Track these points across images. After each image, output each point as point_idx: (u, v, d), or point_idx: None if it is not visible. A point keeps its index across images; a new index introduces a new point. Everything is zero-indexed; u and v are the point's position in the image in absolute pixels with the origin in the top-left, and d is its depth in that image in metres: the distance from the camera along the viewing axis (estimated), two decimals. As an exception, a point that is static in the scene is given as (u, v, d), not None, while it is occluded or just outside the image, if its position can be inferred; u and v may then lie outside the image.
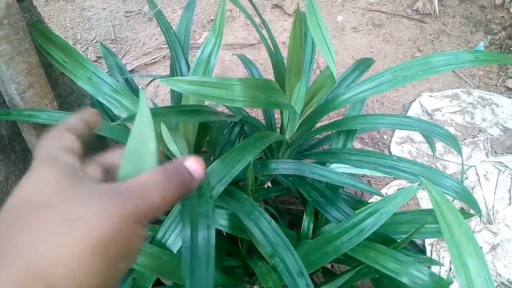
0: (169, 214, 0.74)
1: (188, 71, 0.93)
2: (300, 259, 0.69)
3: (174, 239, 0.73)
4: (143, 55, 2.25)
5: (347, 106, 1.24)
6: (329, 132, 1.13)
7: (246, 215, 0.73)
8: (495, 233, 1.58)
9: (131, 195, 0.29)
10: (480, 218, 1.47)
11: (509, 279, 1.47)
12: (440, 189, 0.80)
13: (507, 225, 1.59)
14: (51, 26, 2.42)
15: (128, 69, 2.11)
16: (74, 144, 0.35)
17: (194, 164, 0.34)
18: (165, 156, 0.83)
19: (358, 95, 0.91)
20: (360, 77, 1.13)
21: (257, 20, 2.29)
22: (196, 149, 0.88)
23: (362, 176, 1.57)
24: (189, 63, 0.96)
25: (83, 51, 2.29)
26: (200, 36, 2.33)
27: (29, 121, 0.72)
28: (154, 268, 0.70)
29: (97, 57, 2.24)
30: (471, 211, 0.89)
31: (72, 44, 2.31)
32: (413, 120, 0.86)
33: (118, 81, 0.97)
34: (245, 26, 2.35)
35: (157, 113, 0.64)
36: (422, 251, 1.48)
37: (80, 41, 2.34)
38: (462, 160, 0.91)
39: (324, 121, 1.82)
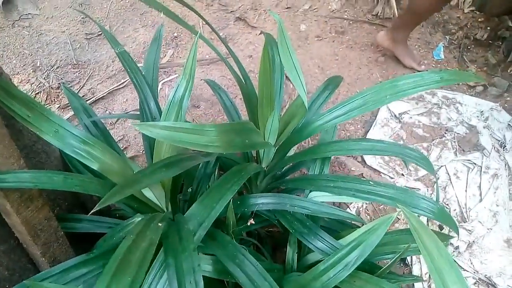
0: (151, 266, 0.72)
1: (158, 111, 0.91)
2: (289, 299, 0.69)
3: (159, 292, 0.71)
4: (108, 78, 2.19)
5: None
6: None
7: (231, 260, 0.72)
8: (469, 230, 1.63)
9: None
10: (458, 237, 1.51)
11: (486, 274, 1.52)
12: (417, 211, 0.82)
13: (480, 222, 1.65)
14: (8, 54, 2.32)
15: (95, 97, 2.06)
16: None
17: None
18: (142, 203, 0.82)
19: (330, 122, 0.92)
20: (330, 97, 1.14)
21: (221, 34, 2.28)
22: (172, 191, 0.86)
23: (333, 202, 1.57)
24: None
25: (44, 78, 2.21)
26: (165, 55, 2.30)
27: (-4, 186, 0.69)
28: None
29: (59, 83, 2.17)
30: (452, 233, 0.91)
31: (32, 72, 2.23)
32: (386, 145, 0.88)
33: (85, 124, 0.94)
34: (206, 44, 2.33)
35: (133, 180, 0.63)
36: (403, 259, 1.51)
37: (40, 68, 2.26)
38: (437, 182, 0.92)
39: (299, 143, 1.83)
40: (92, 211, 0.58)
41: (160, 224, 0.69)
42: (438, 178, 1.76)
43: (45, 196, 0.84)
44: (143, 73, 0.88)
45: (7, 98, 0.75)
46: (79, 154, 0.76)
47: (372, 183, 0.86)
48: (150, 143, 0.92)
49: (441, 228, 1.58)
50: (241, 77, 0.99)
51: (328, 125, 0.91)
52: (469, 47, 2.23)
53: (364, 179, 0.86)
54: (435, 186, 1.72)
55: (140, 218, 0.86)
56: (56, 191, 0.98)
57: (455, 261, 0.64)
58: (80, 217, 0.95)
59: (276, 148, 0.96)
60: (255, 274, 0.70)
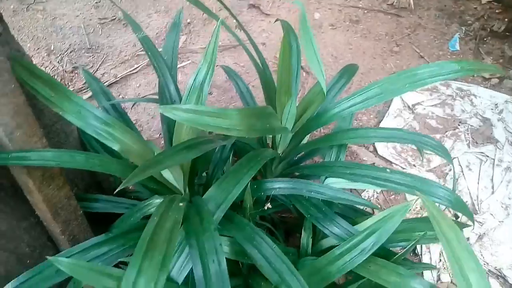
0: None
1: (177, 94, 0.92)
2: (305, 282, 0.70)
3: (179, 270, 0.73)
4: (121, 63, 2.20)
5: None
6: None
7: (249, 242, 0.73)
8: (480, 222, 1.63)
9: None
10: (473, 226, 1.51)
11: (496, 267, 1.52)
12: (434, 199, 0.82)
13: (492, 214, 1.64)
14: (22, 37, 2.34)
15: (109, 81, 2.07)
16: None
17: None
18: (161, 185, 0.83)
19: (347, 110, 0.91)
20: (346, 86, 1.14)
21: (234, 21, 2.27)
22: (191, 174, 0.87)
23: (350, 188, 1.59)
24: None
25: (58, 61, 2.22)
26: (178, 41, 2.29)
27: (20, 164, 0.70)
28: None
29: (74, 67, 2.19)
30: (468, 221, 0.91)
31: (46, 55, 2.25)
32: (404, 133, 0.88)
33: (104, 106, 0.95)
34: (223, 28, 2.32)
35: (155, 161, 0.64)
36: (414, 249, 1.51)
37: (54, 51, 2.27)
38: (454, 169, 0.92)
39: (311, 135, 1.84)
40: (117, 190, 0.60)
41: (181, 204, 0.70)
42: (449, 168, 1.75)
43: (65, 176, 0.86)
44: (163, 57, 0.89)
45: (30, 78, 0.76)
46: (100, 135, 0.77)
47: (388, 170, 0.86)
48: (169, 126, 0.93)
49: (456, 217, 1.58)
50: (260, 63, 0.99)
51: (345, 112, 0.91)
52: (485, 38, 2.20)
53: (381, 167, 0.87)
54: (447, 177, 1.72)
55: (159, 200, 0.88)
56: (74, 171, 1.00)
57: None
58: (98, 197, 0.96)
59: (292, 134, 0.96)
60: (272, 256, 0.71)
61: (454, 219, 1.55)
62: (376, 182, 0.85)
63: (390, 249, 0.88)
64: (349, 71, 1.16)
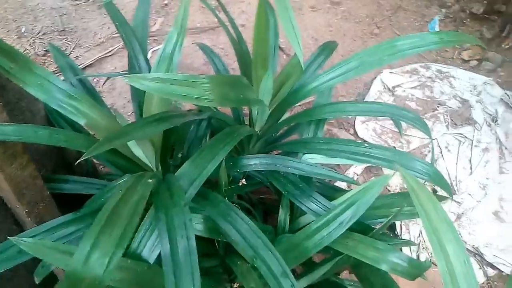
0: (142, 223, 0.70)
1: (148, 67, 0.88)
2: (282, 257, 0.68)
3: (150, 249, 0.70)
4: (96, 45, 2.13)
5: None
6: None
7: (223, 218, 0.71)
8: (459, 202, 1.64)
9: None
10: (452, 199, 1.52)
11: (473, 245, 1.54)
12: (412, 173, 0.81)
13: (470, 194, 1.66)
14: (-10, 18, 2.24)
15: (83, 64, 1.99)
16: None
17: None
18: (131, 162, 0.79)
19: (326, 84, 0.89)
20: (325, 62, 1.11)
21: (213, 2, 2.22)
22: (162, 150, 0.84)
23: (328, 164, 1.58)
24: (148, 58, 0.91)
25: (30, 44, 2.14)
26: (155, 23, 2.23)
27: (-24, 138, 0.65)
28: (132, 282, 0.67)
29: (46, 50, 2.10)
30: (445, 194, 0.91)
31: (17, 38, 2.16)
32: (382, 106, 0.86)
33: (72, 83, 0.90)
34: (201, 10, 2.27)
35: (122, 132, 0.60)
36: (392, 227, 1.52)
37: (25, 34, 2.18)
38: (432, 142, 0.91)
39: (293, 109, 1.81)
40: (78, 161, 0.56)
41: (150, 180, 0.66)
42: (428, 149, 1.76)
43: (29, 155, 0.81)
44: (132, 27, 0.84)
45: (-13, 48, 0.71)
46: (65, 109, 0.73)
47: (367, 145, 0.85)
48: (139, 103, 0.89)
49: (434, 192, 1.59)
50: (236, 38, 0.95)
51: (324, 86, 0.89)
52: (464, 21, 2.21)
53: (360, 142, 0.85)
54: (426, 159, 1.72)
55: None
56: (41, 151, 0.95)
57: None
58: (68, 178, 0.92)
59: (270, 110, 0.93)
60: (248, 232, 0.69)
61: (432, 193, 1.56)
62: (355, 157, 0.83)
63: (370, 225, 0.87)
64: (328, 48, 1.14)
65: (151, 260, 0.70)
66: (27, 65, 0.73)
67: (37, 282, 0.82)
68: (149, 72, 0.84)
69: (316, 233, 0.73)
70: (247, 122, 1.04)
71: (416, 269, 0.72)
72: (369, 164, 1.68)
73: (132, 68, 0.84)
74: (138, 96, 0.90)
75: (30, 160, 0.81)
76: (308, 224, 0.78)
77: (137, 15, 0.93)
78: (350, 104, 0.88)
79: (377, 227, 0.88)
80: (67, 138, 0.71)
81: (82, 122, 0.73)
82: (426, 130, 0.84)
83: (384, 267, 0.74)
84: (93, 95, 0.93)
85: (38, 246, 0.63)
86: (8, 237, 0.70)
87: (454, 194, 1.67)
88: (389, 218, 0.75)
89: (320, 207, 0.83)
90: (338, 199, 0.83)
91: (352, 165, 1.70)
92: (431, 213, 0.65)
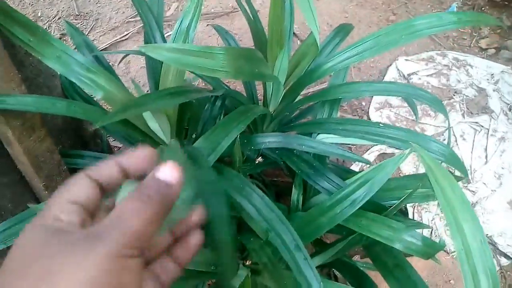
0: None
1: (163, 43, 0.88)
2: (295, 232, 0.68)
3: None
4: (111, 30, 2.14)
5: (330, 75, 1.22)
6: (312, 102, 1.11)
7: (237, 192, 0.71)
8: (473, 191, 1.62)
9: (109, 231, 0.28)
10: (466, 188, 1.51)
11: (487, 234, 1.53)
12: (428, 154, 0.80)
13: (484, 184, 1.64)
14: (8, 2, 2.26)
15: (99, 48, 2.01)
16: (86, 195, 0.33)
17: (167, 172, 0.32)
18: (146, 136, 0.80)
19: (342, 63, 0.88)
20: (340, 44, 1.10)
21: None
22: (178, 126, 0.84)
23: (341, 144, 1.57)
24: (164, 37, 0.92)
25: (46, 28, 2.15)
26: (169, 8, 2.23)
27: (-4, 107, 0.66)
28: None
29: (62, 34, 2.12)
30: (458, 174, 0.90)
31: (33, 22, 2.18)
32: (398, 86, 0.85)
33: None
34: (216, -6, 2.26)
35: (137, 103, 0.60)
36: (405, 213, 1.51)
37: (41, 18, 2.20)
38: (449, 124, 0.90)
39: (307, 90, 1.80)
40: (94, 128, 0.56)
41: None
42: (443, 138, 1.74)
43: (47, 130, 0.83)
44: (147, 2, 0.84)
45: (7, 20, 0.72)
46: (83, 82, 0.74)
47: (382, 125, 0.84)
48: (155, 79, 0.89)
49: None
50: (251, 16, 0.95)
51: (340, 66, 0.88)
52: (483, 8, 2.16)
53: (374, 121, 0.84)
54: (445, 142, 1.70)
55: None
56: (58, 128, 0.97)
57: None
58: (83, 153, 0.93)
59: (285, 90, 0.93)
60: (262, 206, 0.69)
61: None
62: (369, 137, 0.83)
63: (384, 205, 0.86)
64: (343, 30, 1.12)
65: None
66: (45, 38, 0.74)
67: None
68: (165, 48, 0.85)
69: (329, 210, 0.73)
70: (261, 104, 1.04)
71: (430, 248, 0.72)
72: (383, 147, 1.67)
73: (148, 43, 0.85)
74: (154, 74, 0.90)
75: (47, 134, 0.82)
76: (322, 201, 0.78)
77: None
78: (366, 84, 0.87)
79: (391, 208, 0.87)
80: (84, 110, 0.72)
81: (99, 94, 0.74)
82: (443, 111, 0.83)
83: (398, 245, 0.73)
84: (109, 70, 0.93)
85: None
86: (27, 205, 0.72)
87: (468, 183, 1.65)
88: (402, 198, 0.74)
89: (333, 186, 0.82)
90: (352, 178, 0.82)
91: (365, 150, 1.69)
92: (448, 192, 0.64)
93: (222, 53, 0.63)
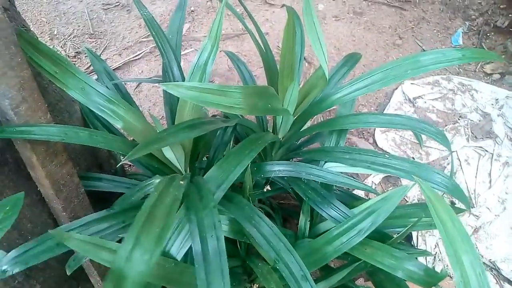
0: (171, 222, 0.75)
1: (181, 75, 0.93)
2: (302, 261, 0.71)
3: (178, 247, 0.74)
4: (124, 49, 2.20)
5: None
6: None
7: (247, 221, 0.74)
8: (477, 216, 1.64)
9: None
10: (470, 212, 1.53)
11: (490, 259, 1.54)
12: (431, 185, 0.83)
13: (488, 208, 1.66)
14: (26, 21, 2.33)
15: (112, 66, 2.07)
16: None
17: None
18: (162, 164, 0.84)
19: (349, 95, 0.92)
20: (349, 73, 1.14)
21: (239, 10, 2.27)
22: (192, 155, 0.88)
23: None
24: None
25: (61, 46, 2.23)
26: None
27: (24, 137, 0.71)
28: (160, 277, 0.71)
29: (76, 52, 2.19)
30: (462, 206, 0.93)
31: (49, 40, 2.25)
32: (403, 119, 0.89)
33: (108, 87, 0.96)
34: (226, 17, 2.33)
35: (158, 138, 0.65)
36: (409, 237, 1.53)
37: (57, 36, 2.27)
38: (452, 156, 0.93)
39: (315, 118, 1.84)
40: (121, 163, 0.60)
41: (182, 182, 0.71)
42: (447, 162, 1.76)
43: (67, 153, 0.87)
44: (168, 38, 0.89)
45: (35, 53, 0.77)
46: (104, 112, 0.78)
47: (387, 156, 0.87)
48: (171, 108, 0.94)
49: (452, 204, 1.60)
50: (263, 47, 1.00)
51: (347, 98, 0.92)
52: (488, 34, 2.20)
53: (380, 152, 0.88)
54: (445, 171, 1.73)
55: (159, 179, 0.89)
56: (76, 151, 1.01)
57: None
58: (100, 176, 0.97)
59: (294, 118, 0.97)
60: (270, 235, 0.72)
61: (451, 205, 1.57)
62: (375, 167, 0.86)
63: (388, 234, 0.89)
64: (352, 59, 1.17)
65: (179, 257, 0.74)
66: (69, 70, 0.79)
67: (68, 274, 0.87)
68: (182, 79, 0.89)
69: (336, 239, 0.76)
70: (270, 129, 1.08)
71: (431, 278, 0.74)
72: (388, 174, 1.70)
73: (166, 76, 0.89)
74: (170, 100, 0.95)
75: (68, 159, 0.86)
76: (328, 230, 0.81)
77: (172, 24, 0.99)
78: (372, 115, 0.90)
79: (395, 236, 0.90)
80: (105, 140, 0.76)
81: (119, 125, 0.78)
82: (446, 144, 0.86)
83: (400, 274, 0.76)
84: (127, 99, 0.98)
85: (75, 240, 0.68)
86: (48, 230, 0.76)
87: (472, 207, 1.67)
88: (407, 228, 0.77)
89: (340, 214, 0.86)
90: (358, 207, 0.86)
91: (371, 174, 1.72)
92: (448, 224, 0.67)
93: (238, 91, 0.67)
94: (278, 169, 0.89)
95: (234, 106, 0.67)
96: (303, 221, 0.93)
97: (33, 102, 0.73)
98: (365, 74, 0.93)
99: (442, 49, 0.88)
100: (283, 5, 0.94)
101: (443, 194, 1.50)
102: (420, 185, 0.70)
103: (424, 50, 2.13)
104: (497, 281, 1.50)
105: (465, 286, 0.63)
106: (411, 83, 2.04)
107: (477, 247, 1.57)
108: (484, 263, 1.54)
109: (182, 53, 2.15)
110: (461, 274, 0.64)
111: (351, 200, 1.06)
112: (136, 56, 2.12)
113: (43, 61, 0.77)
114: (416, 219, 0.88)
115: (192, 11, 2.37)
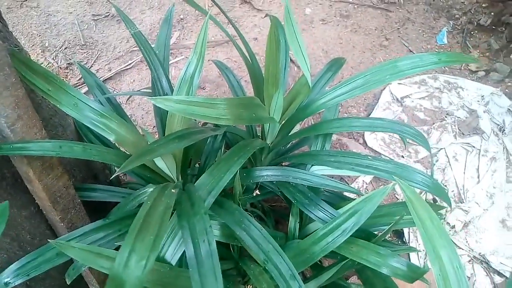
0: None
1: (169, 87, 0.96)
2: (291, 261, 0.75)
3: (172, 252, 0.78)
4: (115, 59, 2.23)
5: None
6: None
7: (237, 225, 0.78)
8: (466, 211, 1.68)
9: None
10: (451, 210, 1.58)
11: (480, 252, 1.58)
12: (413, 184, 0.87)
13: (477, 203, 1.70)
14: (17, 34, 2.36)
15: (104, 77, 2.10)
16: None
17: None
18: (155, 174, 0.87)
19: (333, 100, 0.96)
20: (334, 78, 1.18)
21: (230, 15, 2.31)
22: (183, 163, 0.92)
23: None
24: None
25: (53, 58, 2.25)
26: (171, 37, 2.33)
27: (21, 154, 0.74)
28: (156, 282, 0.75)
29: (68, 64, 2.22)
30: (444, 203, 0.97)
31: (41, 52, 2.28)
32: (384, 122, 0.93)
33: (100, 101, 0.99)
34: (215, 24, 2.36)
35: (149, 149, 0.68)
36: (400, 234, 1.57)
37: (48, 48, 2.30)
38: (431, 156, 0.97)
39: (306, 121, 1.88)
40: (114, 175, 0.64)
41: (173, 191, 0.74)
42: (436, 159, 1.81)
43: (63, 166, 0.90)
44: (156, 52, 0.93)
45: (28, 72, 0.80)
46: (97, 126, 0.82)
47: (370, 158, 0.91)
48: (161, 118, 0.97)
49: (434, 201, 1.64)
50: (248, 57, 1.03)
51: (331, 103, 0.96)
52: (472, 32, 2.25)
53: (364, 154, 0.92)
54: (434, 168, 1.77)
55: (152, 188, 0.92)
56: (72, 163, 1.04)
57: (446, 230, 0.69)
58: (95, 187, 1.01)
59: (280, 125, 1.01)
60: (260, 238, 0.76)
61: (433, 203, 1.62)
62: (359, 168, 0.90)
63: (373, 232, 0.93)
64: (336, 64, 1.21)
65: (173, 262, 0.78)
66: (62, 87, 0.82)
67: (68, 283, 0.90)
68: (171, 90, 0.93)
69: (322, 239, 0.80)
70: (259, 134, 1.12)
71: (414, 273, 0.78)
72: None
73: (156, 89, 0.93)
74: (160, 111, 0.98)
75: (64, 171, 0.89)
76: (315, 231, 0.85)
77: (159, 39, 1.02)
78: (355, 119, 0.94)
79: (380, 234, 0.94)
80: (99, 153, 0.79)
81: (111, 138, 0.81)
82: (425, 145, 0.90)
83: (385, 270, 0.80)
84: (119, 112, 1.02)
85: (75, 249, 0.71)
86: (48, 240, 0.79)
87: (461, 202, 1.71)
88: (389, 226, 0.81)
89: (326, 215, 0.90)
90: (343, 208, 0.89)
91: (357, 177, 1.76)
92: (426, 222, 0.71)
93: (224, 103, 0.71)
94: (266, 174, 0.93)
95: (220, 117, 0.71)
96: (293, 223, 0.96)
97: (28, 119, 0.77)
98: (347, 79, 0.97)
99: (419, 54, 0.92)
100: (266, 15, 0.98)
101: (425, 193, 1.54)
102: (399, 185, 0.74)
103: (410, 50, 2.18)
104: (487, 274, 1.54)
105: (444, 279, 0.67)
106: (398, 83, 2.08)
107: (467, 241, 1.62)
108: (474, 256, 1.58)
109: (172, 61, 2.19)
110: (440, 268, 0.67)
111: (339, 201, 1.09)
112: (127, 65, 2.16)
113: (37, 79, 0.80)
114: (399, 217, 0.93)
115: (182, 19, 2.41)
